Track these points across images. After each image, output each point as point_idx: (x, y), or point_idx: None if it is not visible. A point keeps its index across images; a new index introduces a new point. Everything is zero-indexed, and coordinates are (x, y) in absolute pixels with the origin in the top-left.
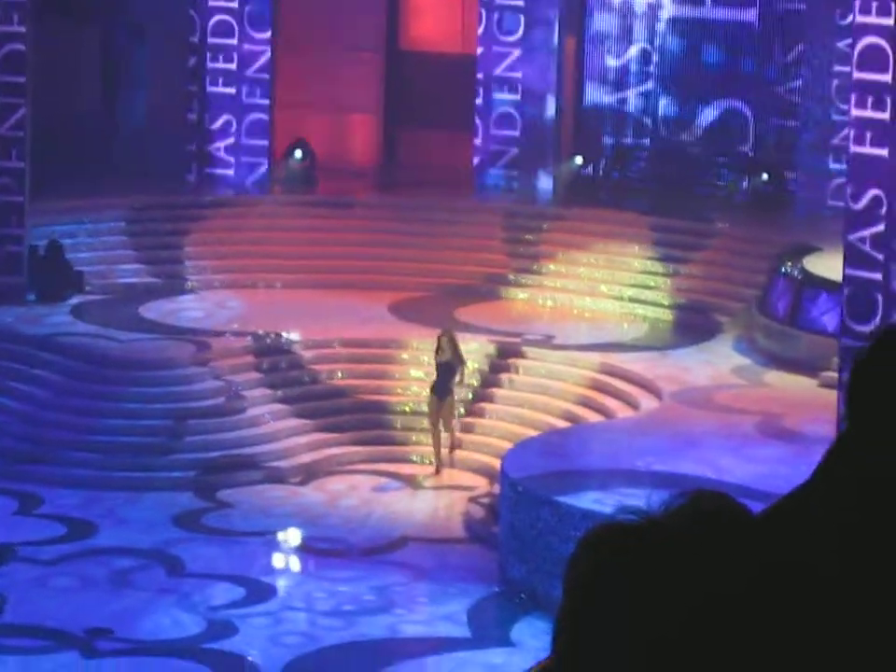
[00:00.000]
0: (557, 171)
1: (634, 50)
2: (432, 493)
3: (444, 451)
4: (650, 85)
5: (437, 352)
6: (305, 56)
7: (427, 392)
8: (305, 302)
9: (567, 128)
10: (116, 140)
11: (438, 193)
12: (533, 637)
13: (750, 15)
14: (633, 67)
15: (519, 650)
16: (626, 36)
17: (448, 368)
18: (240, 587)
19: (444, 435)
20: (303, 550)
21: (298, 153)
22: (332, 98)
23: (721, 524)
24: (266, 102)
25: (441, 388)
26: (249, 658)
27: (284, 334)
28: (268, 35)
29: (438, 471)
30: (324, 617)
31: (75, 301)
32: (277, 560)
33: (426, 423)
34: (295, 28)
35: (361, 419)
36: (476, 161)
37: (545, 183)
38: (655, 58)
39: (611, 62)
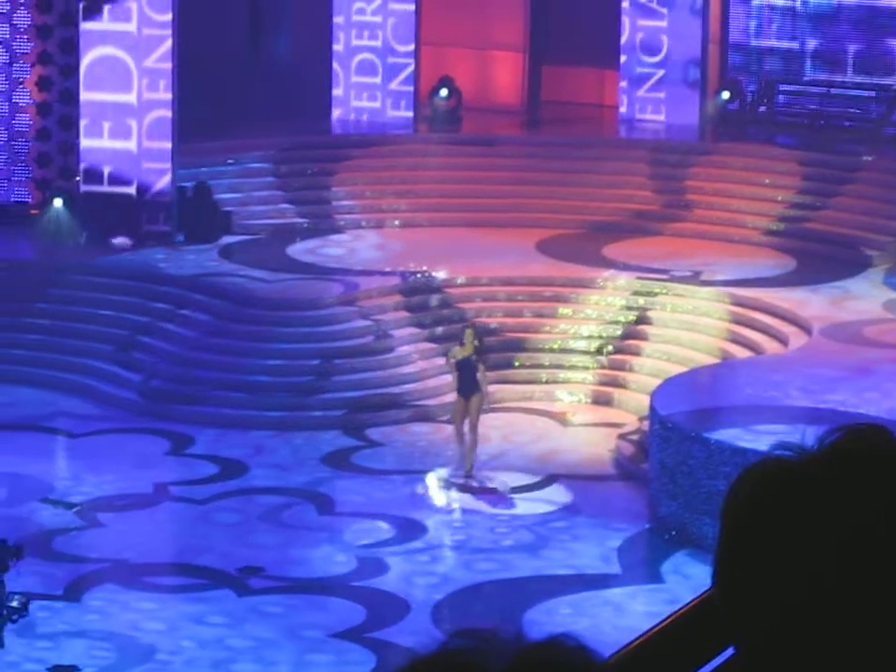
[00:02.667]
0: (704, 106)
1: None
2: (582, 430)
3: (468, 452)
4: (797, 19)
5: (460, 345)
6: None
7: (572, 338)
8: (452, 241)
9: (714, 63)
10: (262, 80)
11: (583, 130)
12: (683, 573)
13: None
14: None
15: (669, 586)
16: None
17: (469, 364)
18: (390, 525)
19: (469, 436)
20: (453, 488)
21: (443, 91)
22: (477, 36)
23: (878, 458)
24: (411, 41)
25: (466, 387)
26: (400, 596)
27: (431, 273)
28: None
29: (469, 474)
30: (474, 554)
31: (223, 241)
32: (427, 498)
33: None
34: None
35: (509, 357)
36: (622, 96)
37: (692, 118)
38: None
39: None
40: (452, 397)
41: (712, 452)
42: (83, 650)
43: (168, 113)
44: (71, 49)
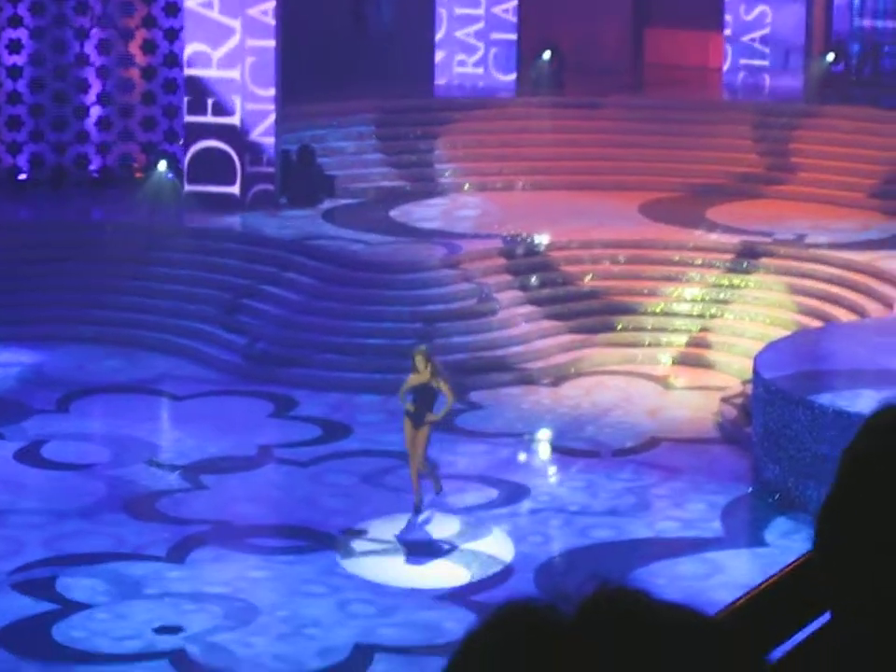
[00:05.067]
0: (808, 68)
1: None
2: (684, 393)
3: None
4: None
5: (413, 372)
6: None
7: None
8: (555, 204)
9: (819, 24)
10: (364, 44)
11: (687, 92)
12: (786, 537)
13: None
14: None
15: (772, 550)
16: None
17: (426, 391)
18: (493, 488)
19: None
20: (555, 451)
21: (546, 54)
22: None
23: None
24: (515, 3)
25: (419, 415)
26: (503, 558)
27: (534, 236)
28: None
29: (417, 509)
30: (576, 517)
31: (326, 205)
32: (530, 461)
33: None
34: None
35: (612, 320)
36: (725, 58)
37: (796, 80)
38: None
39: None
40: (543, 363)
41: (816, 415)
42: (187, 611)
43: (270, 187)
44: (175, 11)
